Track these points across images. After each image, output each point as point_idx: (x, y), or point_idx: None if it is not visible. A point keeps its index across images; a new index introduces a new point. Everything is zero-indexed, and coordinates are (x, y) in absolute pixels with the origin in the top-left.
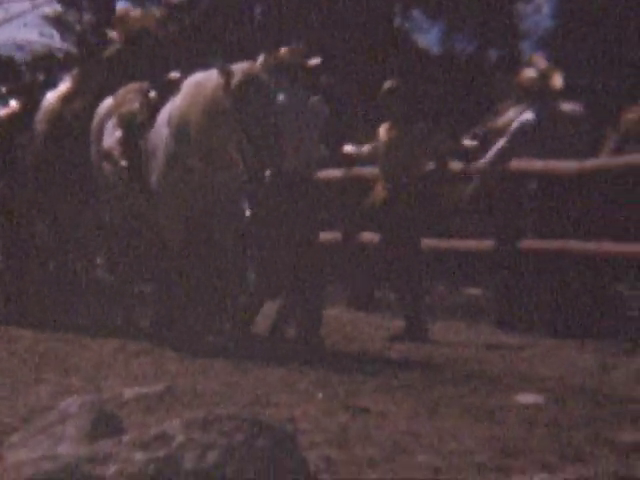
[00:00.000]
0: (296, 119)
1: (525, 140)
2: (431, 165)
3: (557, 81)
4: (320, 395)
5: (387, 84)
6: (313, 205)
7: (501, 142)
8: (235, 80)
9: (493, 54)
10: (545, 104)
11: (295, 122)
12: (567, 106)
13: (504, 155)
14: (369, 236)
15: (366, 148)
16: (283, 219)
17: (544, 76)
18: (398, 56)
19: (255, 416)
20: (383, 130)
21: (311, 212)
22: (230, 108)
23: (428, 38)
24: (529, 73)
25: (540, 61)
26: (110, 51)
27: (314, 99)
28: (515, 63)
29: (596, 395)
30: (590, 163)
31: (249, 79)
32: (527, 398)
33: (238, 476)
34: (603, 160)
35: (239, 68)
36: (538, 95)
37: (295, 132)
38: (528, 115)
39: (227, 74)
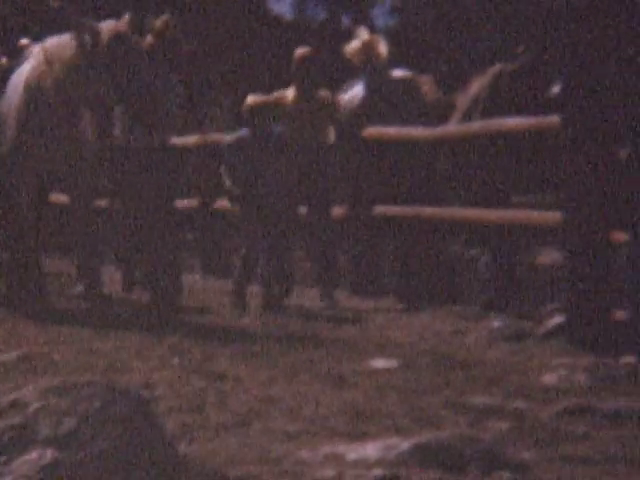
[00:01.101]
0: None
1: (366, 115)
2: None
3: (382, 50)
4: (176, 361)
5: (301, 52)
6: (169, 172)
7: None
8: (104, 38)
9: (345, 21)
10: (374, 74)
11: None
12: (398, 72)
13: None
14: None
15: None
16: (139, 185)
17: (369, 47)
18: (252, 23)
19: (111, 383)
20: (286, 99)
21: (167, 178)
22: (96, 67)
23: (281, 5)
24: (353, 45)
25: (363, 32)
26: None
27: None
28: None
29: (448, 359)
30: (441, 129)
31: (118, 37)
32: (381, 363)
33: (94, 443)
34: (454, 126)
35: (105, 26)
36: (365, 66)
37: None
38: (357, 89)
39: (95, 33)
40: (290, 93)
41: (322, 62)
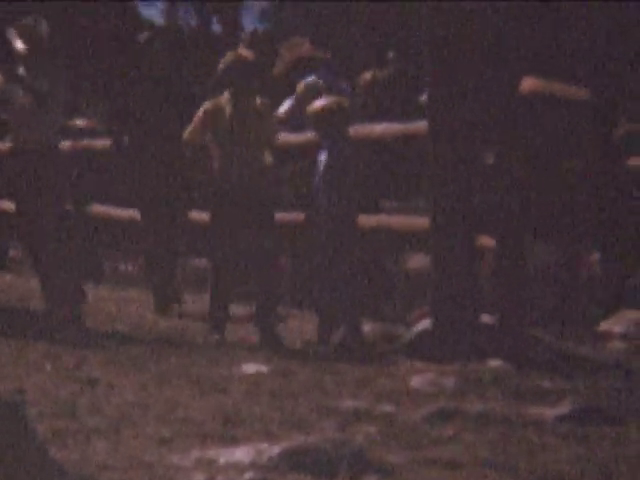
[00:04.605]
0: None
1: None
2: None
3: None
4: (48, 366)
5: (233, 56)
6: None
7: None
8: None
9: (217, 28)
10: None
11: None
12: None
13: None
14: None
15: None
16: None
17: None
18: (123, 27)
19: None
20: (223, 107)
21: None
22: None
23: (152, 12)
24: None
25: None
26: None
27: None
28: (236, 38)
29: (318, 364)
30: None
31: None
32: (251, 368)
33: None
34: None
35: None
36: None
37: (32, 106)
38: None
39: None
40: (224, 102)
41: (257, 68)
